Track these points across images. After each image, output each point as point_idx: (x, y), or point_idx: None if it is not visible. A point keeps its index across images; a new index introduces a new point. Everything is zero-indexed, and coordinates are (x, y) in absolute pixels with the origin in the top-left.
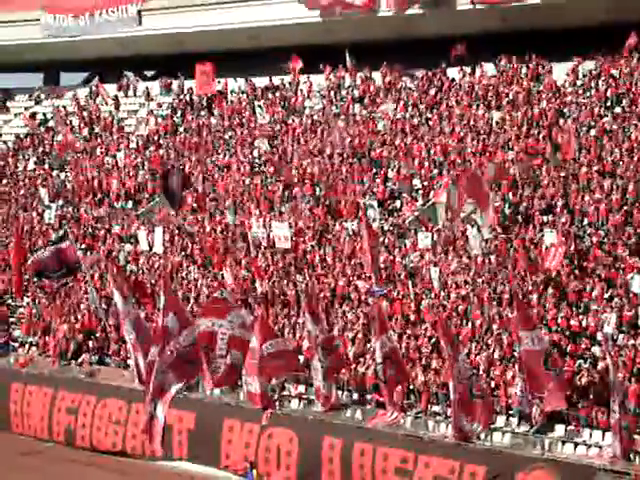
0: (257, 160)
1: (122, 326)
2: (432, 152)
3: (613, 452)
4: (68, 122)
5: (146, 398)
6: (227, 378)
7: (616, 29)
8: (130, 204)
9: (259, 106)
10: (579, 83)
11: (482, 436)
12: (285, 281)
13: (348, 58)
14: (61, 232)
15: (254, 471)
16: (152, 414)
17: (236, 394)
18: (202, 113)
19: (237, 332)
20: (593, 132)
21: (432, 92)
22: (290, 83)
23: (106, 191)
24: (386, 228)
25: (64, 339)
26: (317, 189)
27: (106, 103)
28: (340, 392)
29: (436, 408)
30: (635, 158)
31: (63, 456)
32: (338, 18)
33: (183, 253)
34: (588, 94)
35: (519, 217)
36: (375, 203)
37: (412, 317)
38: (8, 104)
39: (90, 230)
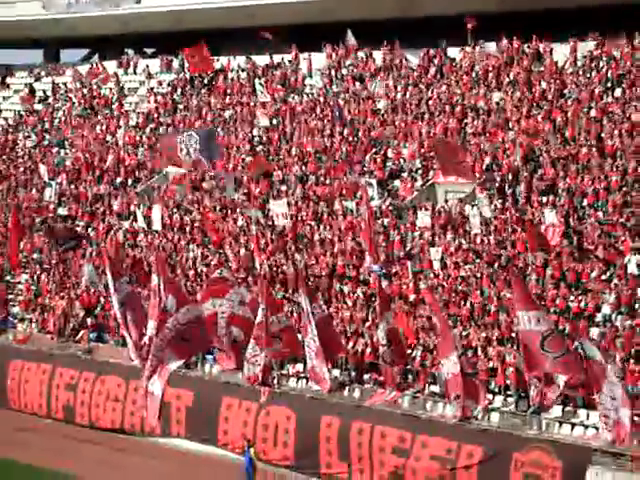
0: (257, 139)
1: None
2: (432, 132)
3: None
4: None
5: (142, 373)
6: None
7: (617, 9)
8: (129, 182)
9: (260, 84)
10: (579, 64)
11: (479, 416)
12: (284, 259)
13: (350, 36)
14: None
15: (252, 449)
16: (147, 388)
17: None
18: (202, 91)
19: (237, 309)
20: (593, 113)
21: (432, 71)
22: (290, 62)
23: (106, 168)
24: (384, 208)
25: (63, 316)
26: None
27: (104, 82)
28: (338, 371)
29: (434, 388)
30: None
31: (59, 432)
32: None
33: (182, 231)
34: (589, 75)
35: (518, 198)
36: (374, 182)
37: (411, 297)
38: (8, 80)
39: (89, 207)
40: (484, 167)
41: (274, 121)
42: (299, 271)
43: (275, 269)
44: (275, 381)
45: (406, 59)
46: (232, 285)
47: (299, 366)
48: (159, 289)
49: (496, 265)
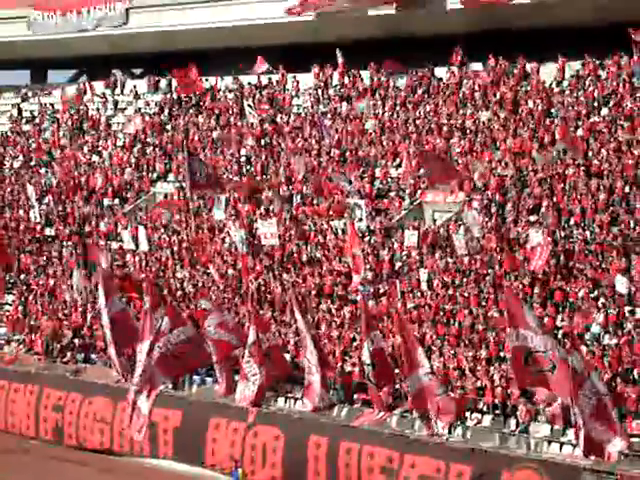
0: (244, 159)
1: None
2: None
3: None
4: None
5: (130, 385)
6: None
7: (603, 29)
8: (117, 202)
9: (249, 105)
10: (565, 84)
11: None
12: (272, 279)
13: (339, 56)
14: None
15: (239, 470)
16: (135, 403)
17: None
18: (190, 111)
19: (212, 333)
20: (580, 132)
21: (420, 91)
22: (278, 82)
23: (93, 189)
24: (372, 228)
25: (50, 336)
26: (304, 188)
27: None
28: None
29: None
30: (622, 158)
31: (47, 453)
32: (325, 17)
33: (169, 251)
34: (575, 94)
35: (505, 217)
36: (362, 202)
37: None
38: None
39: (77, 228)
40: (471, 186)
41: (262, 141)
42: (293, 289)
43: (263, 289)
44: (263, 401)
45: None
46: (211, 312)
47: (287, 386)
48: (150, 310)
49: (483, 284)
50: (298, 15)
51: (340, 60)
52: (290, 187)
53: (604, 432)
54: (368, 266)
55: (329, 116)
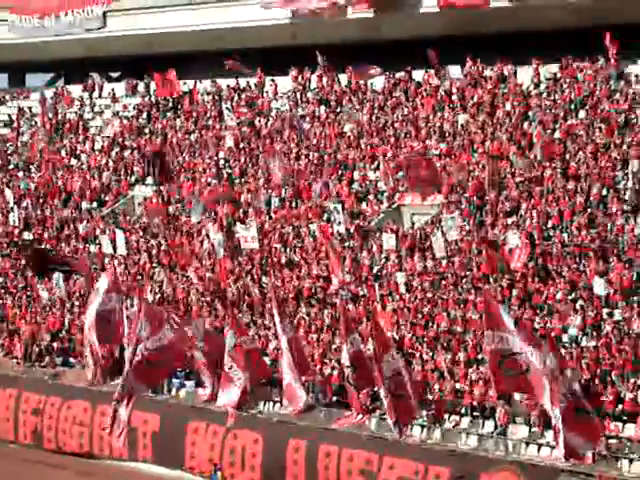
0: (223, 162)
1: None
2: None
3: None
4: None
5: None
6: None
7: (580, 33)
8: (95, 205)
9: (227, 108)
10: (543, 87)
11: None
12: (250, 283)
13: (320, 59)
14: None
15: (219, 473)
16: (116, 410)
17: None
18: (168, 114)
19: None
20: (557, 135)
21: (397, 95)
22: (256, 85)
23: (71, 192)
24: (352, 231)
25: (29, 340)
26: (283, 191)
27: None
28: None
29: None
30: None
31: (26, 457)
32: (305, 20)
33: (149, 255)
34: (552, 97)
35: (483, 219)
36: (340, 206)
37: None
38: None
39: (54, 232)
40: (449, 189)
41: (240, 145)
42: (274, 291)
43: (242, 292)
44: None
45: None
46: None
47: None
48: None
49: (461, 287)
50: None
51: (321, 63)
52: (268, 190)
53: (581, 434)
54: (347, 269)
55: (307, 119)
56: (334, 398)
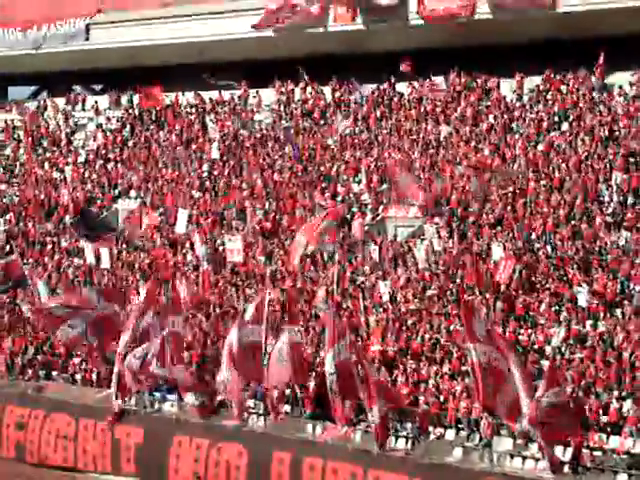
0: (206, 175)
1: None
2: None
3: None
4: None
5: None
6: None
7: (561, 45)
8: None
9: (211, 120)
10: (526, 99)
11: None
12: (235, 295)
13: (302, 73)
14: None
15: None
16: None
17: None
18: (151, 127)
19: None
20: (540, 147)
21: (381, 107)
22: (240, 97)
23: (54, 206)
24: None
25: (12, 353)
26: (267, 204)
27: (55, 117)
28: (289, 406)
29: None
30: (582, 173)
31: (6, 471)
32: (287, 32)
33: (131, 268)
34: (535, 109)
35: (467, 231)
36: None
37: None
38: None
39: (38, 245)
40: (433, 202)
41: (224, 157)
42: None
43: (226, 305)
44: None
45: (357, 90)
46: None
47: (250, 402)
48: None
49: (445, 299)
50: (264, 28)
51: (305, 77)
52: (253, 202)
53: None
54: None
55: (292, 131)
56: (316, 410)
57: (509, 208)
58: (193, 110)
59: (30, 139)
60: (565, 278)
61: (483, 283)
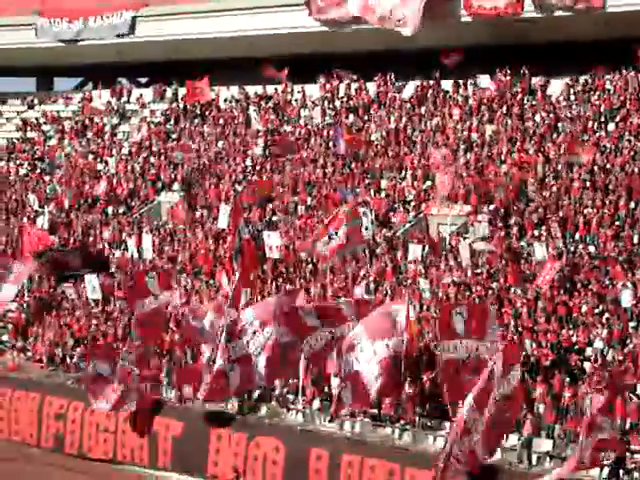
0: (249, 169)
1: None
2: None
3: None
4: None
5: None
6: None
7: (610, 44)
8: (121, 210)
9: (254, 110)
10: (572, 98)
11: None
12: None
13: (346, 72)
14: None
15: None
16: None
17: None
18: (195, 121)
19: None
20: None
21: (426, 104)
22: (284, 92)
23: (96, 197)
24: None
25: (53, 344)
26: (309, 198)
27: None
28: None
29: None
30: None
31: (47, 462)
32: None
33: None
34: (582, 109)
35: (510, 230)
36: (369, 211)
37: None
38: (0, 109)
39: (80, 236)
40: (477, 199)
41: (266, 151)
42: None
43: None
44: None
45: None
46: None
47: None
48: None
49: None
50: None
51: (347, 75)
52: (295, 197)
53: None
54: (371, 278)
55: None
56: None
57: (553, 208)
58: (237, 104)
59: (74, 130)
60: (608, 279)
61: (519, 282)
